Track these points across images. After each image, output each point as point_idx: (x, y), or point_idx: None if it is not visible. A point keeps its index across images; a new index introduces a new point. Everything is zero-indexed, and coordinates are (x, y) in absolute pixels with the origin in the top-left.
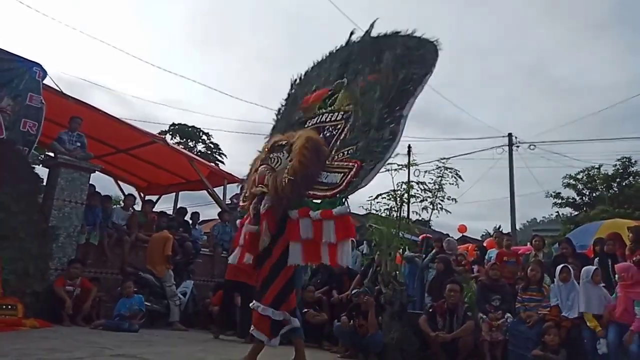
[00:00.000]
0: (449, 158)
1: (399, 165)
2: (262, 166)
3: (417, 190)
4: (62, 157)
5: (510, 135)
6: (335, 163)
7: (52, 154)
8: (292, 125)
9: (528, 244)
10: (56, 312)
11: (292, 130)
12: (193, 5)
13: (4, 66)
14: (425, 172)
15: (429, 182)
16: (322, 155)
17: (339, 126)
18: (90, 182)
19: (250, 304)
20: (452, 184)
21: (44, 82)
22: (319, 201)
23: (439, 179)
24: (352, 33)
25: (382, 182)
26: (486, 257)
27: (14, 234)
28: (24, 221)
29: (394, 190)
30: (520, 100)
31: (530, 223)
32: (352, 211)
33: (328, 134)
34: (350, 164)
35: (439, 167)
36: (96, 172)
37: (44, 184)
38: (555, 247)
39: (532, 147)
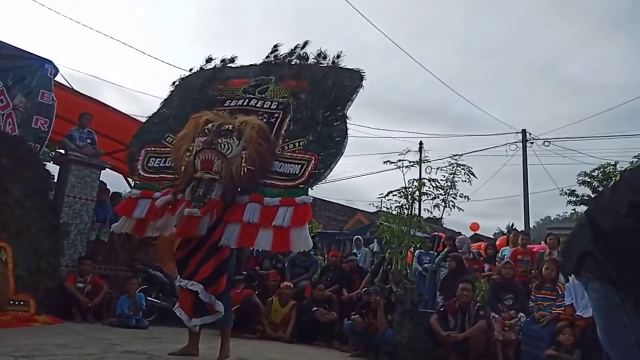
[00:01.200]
0: (461, 155)
1: (410, 162)
2: (207, 150)
3: (429, 188)
4: (72, 154)
5: (524, 131)
6: (288, 154)
7: (62, 151)
8: (204, 102)
9: (542, 242)
10: (67, 308)
11: (209, 108)
12: (203, 2)
13: (17, 63)
14: (437, 169)
15: (441, 179)
16: (274, 145)
17: (276, 115)
18: (100, 179)
19: (178, 282)
20: (465, 181)
21: (55, 79)
22: (275, 190)
23: (451, 176)
24: (275, 48)
25: (393, 178)
26: (499, 255)
27: (26, 230)
28: (35, 218)
29: (405, 188)
30: (532, 98)
31: (544, 221)
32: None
33: (265, 120)
34: (307, 156)
35: (451, 163)
36: (106, 168)
37: (55, 180)
38: None
39: (546, 143)
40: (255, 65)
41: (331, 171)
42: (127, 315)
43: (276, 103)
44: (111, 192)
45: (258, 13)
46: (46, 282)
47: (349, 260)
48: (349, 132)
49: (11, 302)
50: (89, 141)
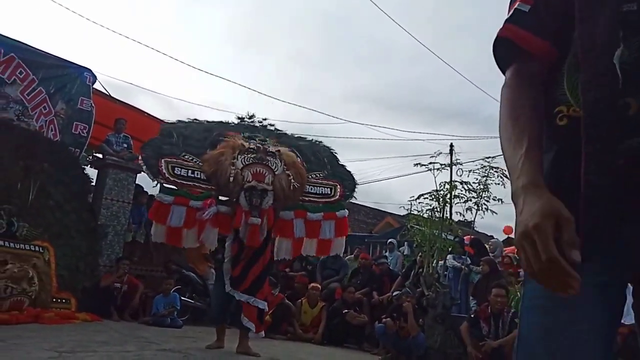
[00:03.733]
0: (494, 157)
1: (441, 164)
2: (258, 165)
3: (461, 190)
4: (110, 158)
5: None
6: (314, 180)
7: (100, 155)
8: (211, 139)
9: None
10: (105, 307)
11: (216, 144)
12: (234, 8)
13: (58, 72)
14: (470, 171)
15: (474, 182)
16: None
17: (281, 157)
18: (136, 182)
19: (238, 296)
20: (498, 183)
21: (93, 86)
22: (316, 205)
23: (484, 178)
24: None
25: (423, 181)
26: None
27: (66, 232)
28: (75, 220)
29: (436, 191)
30: None
31: None
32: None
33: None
34: (331, 182)
35: (484, 166)
36: (142, 172)
37: (93, 184)
38: None
39: None
40: (237, 124)
41: (353, 197)
42: (162, 314)
43: (277, 151)
44: (148, 194)
45: (286, 19)
46: (85, 282)
47: (379, 263)
48: (377, 135)
49: (54, 300)
50: (125, 145)
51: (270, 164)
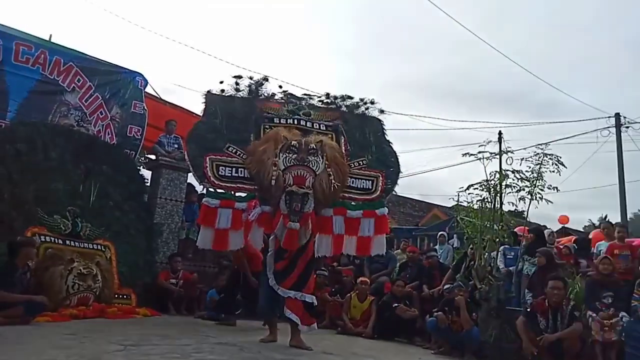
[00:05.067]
0: (547, 143)
1: (491, 153)
2: (300, 167)
3: (513, 180)
4: (162, 159)
5: (617, 115)
6: (356, 170)
7: (153, 157)
8: (253, 117)
9: None
10: (163, 302)
11: (260, 123)
12: (274, 3)
13: (112, 78)
14: (522, 159)
15: (526, 171)
16: (346, 164)
17: (329, 135)
18: (187, 181)
19: (283, 293)
20: (553, 171)
21: (145, 89)
22: (353, 203)
23: (538, 166)
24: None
25: (471, 172)
26: (594, 250)
27: (125, 231)
28: (133, 219)
29: (486, 180)
30: (627, 77)
31: None
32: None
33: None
34: (374, 172)
35: (537, 153)
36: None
37: (148, 184)
38: None
39: None
40: (280, 99)
41: (396, 186)
42: (213, 300)
43: (324, 125)
44: (198, 193)
45: (328, 9)
46: (144, 278)
47: (429, 256)
48: (421, 125)
49: (116, 296)
50: (176, 146)
51: (311, 165)
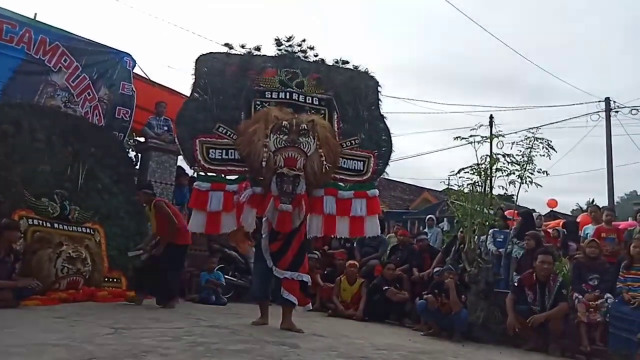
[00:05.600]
0: (538, 127)
1: (482, 137)
2: (290, 148)
3: (503, 163)
4: (152, 142)
5: (607, 99)
6: (347, 151)
7: (142, 139)
8: (245, 92)
9: (629, 218)
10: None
11: (251, 99)
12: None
13: (100, 58)
14: (513, 143)
15: (517, 154)
16: (338, 143)
17: (322, 111)
18: (178, 164)
19: (280, 274)
20: (544, 155)
21: (133, 70)
22: (343, 184)
23: (528, 150)
24: (279, 41)
25: (461, 156)
26: (581, 234)
27: (115, 214)
28: (123, 201)
29: (477, 164)
30: (618, 62)
31: (629, 196)
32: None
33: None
34: (366, 153)
35: (528, 137)
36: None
37: (137, 167)
38: None
39: (634, 111)
40: (275, 56)
41: (388, 166)
42: (208, 286)
43: (317, 99)
44: (189, 176)
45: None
46: (134, 261)
47: (419, 240)
48: (413, 109)
49: (106, 279)
50: (165, 128)
51: (302, 146)
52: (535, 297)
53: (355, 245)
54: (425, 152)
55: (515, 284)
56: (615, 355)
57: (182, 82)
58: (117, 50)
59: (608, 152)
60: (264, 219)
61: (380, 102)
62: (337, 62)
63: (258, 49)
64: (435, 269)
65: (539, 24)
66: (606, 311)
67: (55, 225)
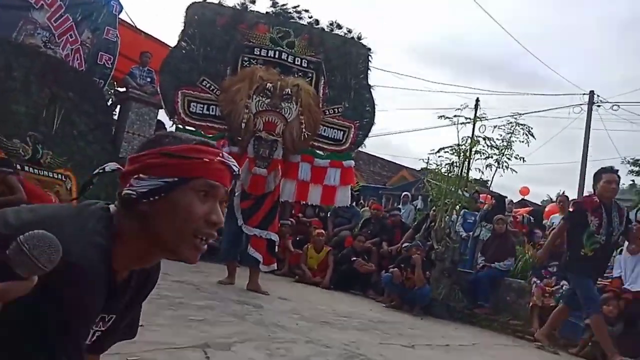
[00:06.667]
0: (521, 114)
1: (466, 118)
2: (271, 112)
3: (483, 147)
4: (133, 92)
5: (591, 93)
6: (329, 119)
7: (123, 89)
8: (233, 45)
9: None
10: None
11: (239, 53)
12: None
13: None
14: (495, 127)
15: (497, 139)
16: (321, 111)
17: (309, 74)
18: (157, 118)
19: (249, 231)
20: (523, 141)
21: (119, 16)
22: (323, 153)
23: (509, 135)
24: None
25: (443, 136)
26: (547, 222)
27: (89, 162)
28: (98, 150)
29: (457, 145)
30: (608, 57)
31: None
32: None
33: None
34: (347, 123)
35: (510, 122)
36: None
37: (116, 116)
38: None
39: (615, 107)
40: (268, 13)
41: (367, 138)
42: None
43: (306, 61)
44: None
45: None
46: None
47: (392, 215)
48: (400, 84)
49: None
50: (148, 80)
51: (283, 111)
52: (600, 223)
53: (329, 215)
54: (409, 129)
55: (572, 209)
56: (563, 339)
57: (170, 33)
58: None
59: (585, 145)
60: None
61: (369, 72)
62: (331, 24)
63: (253, 1)
64: (404, 244)
65: (539, 9)
66: (559, 297)
67: (26, 168)
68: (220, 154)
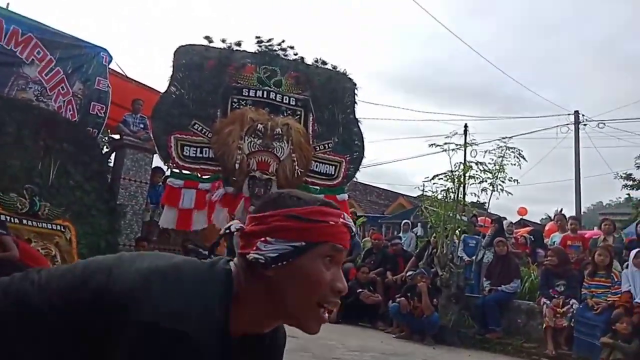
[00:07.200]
0: (510, 137)
1: (457, 144)
2: (264, 152)
3: (476, 171)
4: (127, 139)
5: (576, 112)
6: (320, 154)
7: (117, 136)
8: (222, 88)
9: (595, 228)
10: None
11: (228, 96)
12: None
13: (75, 52)
14: (485, 152)
15: (489, 163)
16: (311, 147)
17: (298, 112)
18: (153, 162)
19: None
20: (514, 164)
21: (109, 66)
22: (317, 188)
23: (500, 159)
24: (260, 39)
25: (436, 163)
26: (549, 241)
27: (86, 211)
28: (95, 199)
29: (451, 171)
30: (588, 78)
31: (595, 206)
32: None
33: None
34: (338, 158)
35: (500, 146)
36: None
37: (111, 164)
38: (627, 231)
39: (600, 125)
40: (255, 52)
41: (358, 171)
42: None
43: (294, 99)
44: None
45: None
46: None
47: (393, 244)
48: (390, 115)
49: None
50: (141, 126)
51: (275, 151)
52: None
53: None
54: (401, 158)
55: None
56: (579, 359)
57: (160, 79)
58: (93, 44)
59: (576, 163)
60: (235, 218)
61: (356, 105)
62: (316, 61)
63: (239, 44)
64: (409, 273)
65: (516, 36)
66: (571, 316)
67: (24, 221)
68: (342, 216)
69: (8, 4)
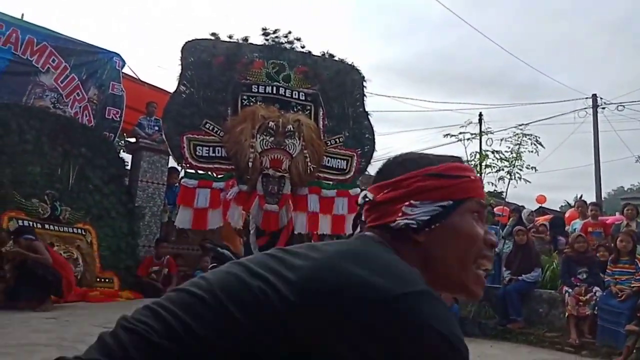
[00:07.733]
0: (527, 124)
1: (472, 134)
2: (276, 150)
3: (493, 160)
4: (143, 142)
5: (594, 96)
6: (331, 149)
7: (133, 139)
8: (231, 85)
9: (617, 213)
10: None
11: (237, 92)
12: None
13: (89, 58)
14: (502, 140)
15: (506, 151)
16: (323, 142)
17: (308, 107)
18: (169, 164)
19: None
20: (532, 151)
21: (123, 70)
22: (329, 183)
23: (517, 146)
24: (266, 31)
25: (453, 153)
26: (569, 228)
27: (106, 214)
28: (114, 202)
29: (467, 161)
30: (604, 61)
31: (616, 192)
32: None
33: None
34: (349, 152)
35: (517, 134)
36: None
37: (128, 167)
38: None
39: (620, 108)
40: (262, 46)
41: (370, 165)
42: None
43: (303, 94)
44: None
45: None
46: (126, 261)
47: None
48: (403, 107)
49: (98, 280)
50: (156, 128)
51: (288, 148)
52: None
53: None
54: (415, 150)
55: None
56: (603, 347)
57: (160, 80)
58: (106, 50)
59: (595, 148)
60: (251, 217)
61: (365, 98)
62: (324, 54)
63: (246, 39)
64: None
65: (529, 22)
66: (595, 304)
67: (46, 226)
68: (474, 171)
69: (23, 14)
